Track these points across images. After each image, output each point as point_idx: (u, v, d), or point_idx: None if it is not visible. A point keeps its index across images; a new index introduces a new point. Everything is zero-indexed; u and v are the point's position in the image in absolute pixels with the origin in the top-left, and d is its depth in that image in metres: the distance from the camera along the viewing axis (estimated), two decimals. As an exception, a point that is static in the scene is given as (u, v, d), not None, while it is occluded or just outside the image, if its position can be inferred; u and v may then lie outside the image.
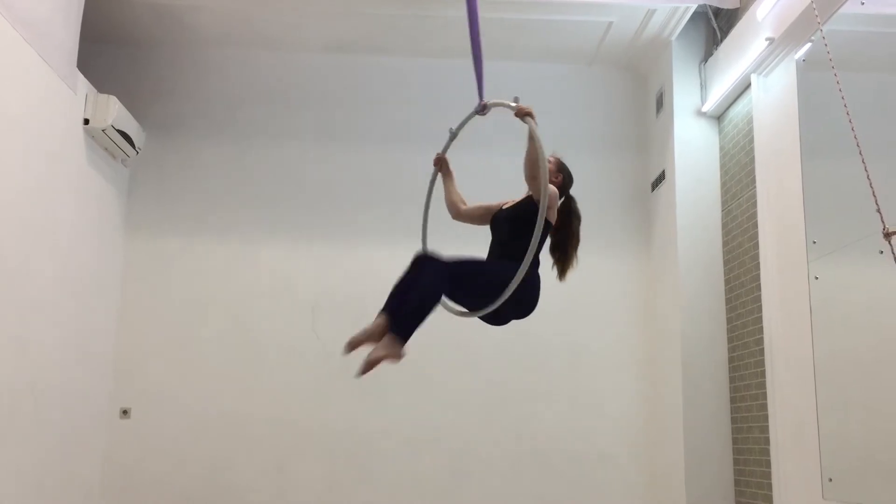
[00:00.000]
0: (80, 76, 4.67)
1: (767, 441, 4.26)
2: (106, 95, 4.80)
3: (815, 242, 3.83)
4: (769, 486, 4.21)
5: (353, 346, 2.91)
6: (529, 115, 3.05)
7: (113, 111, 4.78)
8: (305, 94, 5.70)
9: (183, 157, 5.57)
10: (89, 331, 4.94)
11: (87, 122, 4.73)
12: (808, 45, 3.95)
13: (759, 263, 4.39)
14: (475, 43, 3.30)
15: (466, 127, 3.52)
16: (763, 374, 4.33)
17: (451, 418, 5.34)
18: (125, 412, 5.22)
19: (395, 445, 5.29)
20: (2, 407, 3.89)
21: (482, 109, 3.27)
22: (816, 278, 3.80)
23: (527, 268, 2.83)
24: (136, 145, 5.18)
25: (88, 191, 4.88)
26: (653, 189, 5.52)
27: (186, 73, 5.68)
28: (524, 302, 3.17)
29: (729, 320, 4.87)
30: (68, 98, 4.53)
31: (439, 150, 3.63)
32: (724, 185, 5.01)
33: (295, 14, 5.25)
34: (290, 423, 5.28)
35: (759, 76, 4.49)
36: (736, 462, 4.74)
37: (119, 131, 4.90)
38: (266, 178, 5.57)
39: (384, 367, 5.39)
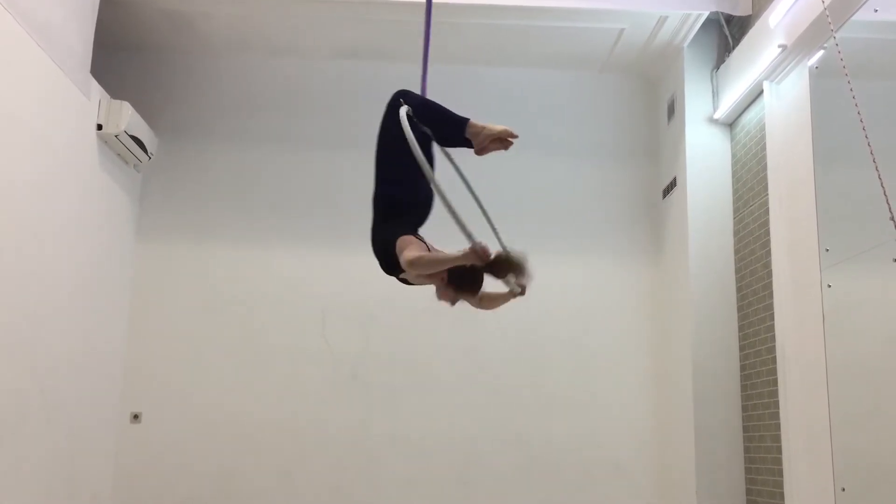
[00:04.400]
0: (94, 82, 4.70)
1: (780, 450, 4.23)
2: (119, 101, 4.83)
3: (827, 250, 3.81)
4: (781, 496, 4.18)
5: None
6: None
7: (126, 117, 4.80)
8: (316, 100, 5.73)
9: (195, 162, 5.60)
10: (100, 335, 4.96)
11: (100, 127, 4.75)
12: (821, 52, 3.93)
13: (771, 271, 4.37)
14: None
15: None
16: (775, 382, 4.30)
17: (459, 424, 5.33)
18: (136, 416, 5.24)
19: (402, 451, 5.28)
20: (12, 411, 3.91)
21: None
22: (829, 286, 3.78)
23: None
24: (149, 151, 5.20)
25: (101, 196, 4.91)
26: (664, 196, 5.50)
27: (199, 79, 5.71)
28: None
29: (741, 328, 4.84)
30: (82, 104, 4.56)
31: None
32: (735, 192, 4.99)
33: (306, 21, 5.27)
34: (298, 427, 5.28)
35: (771, 83, 4.47)
36: (748, 471, 4.71)
37: (132, 137, 4.92)
38: (277, 183, 5.58)
39: (391, 372, 5.41)
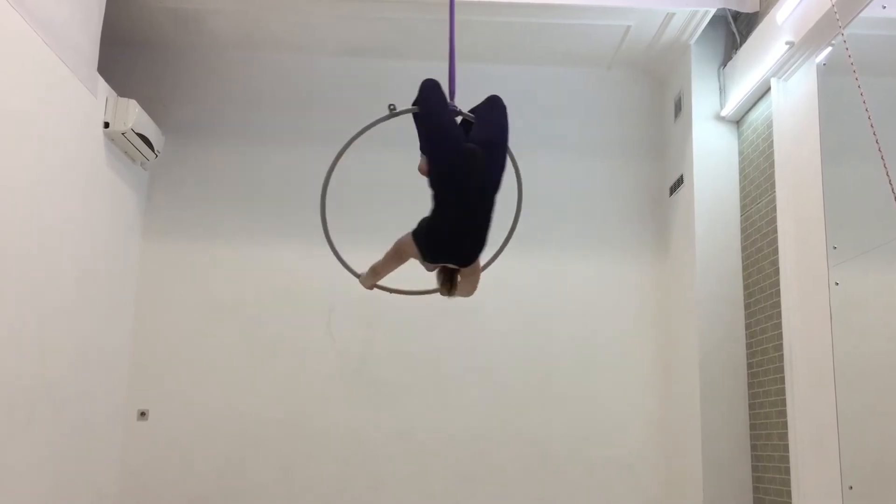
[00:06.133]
0: (101, 80, 4.70)
1: (786, 448, 4.22)
2: (126, 99, 4.83)
3: (835, 248, 3.80)
4: (788, 494, 4.17)
5: None
6: None
7: (133, 115, 4.81)
8: (323, 97, 5.73)
9: (201, 160, 5.60)
10: (106, 332, 4.97)
11: (107, 125, 4.76)
12: (829, 48, 3.92)
13: (778, 269, 4.36)
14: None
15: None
16: (782, 380, 4.29)
17: (463, 421, 5.33)
18: (143, 414, 5.25)
19: (406, 449, 5.29)
20: (19, 408, 3.92)
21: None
22: (837, 284, 3.77)
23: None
24: (156, 149, 5.21)
25: (107, 194, 4.92)
26: (671, 194, 5.49)
27: (206, 76, 5.72)
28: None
29: (748, 326, 4.83)
30: (89, 101, 4.57)
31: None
32: (743, 189, 4.98)
33: (313, 18, 5.27)
34: (303, 425, 5.29)
35: (778, 80, 4.46)
36: (755, 469, 4.70)
37: (139, 135, 4.93)
38: (284, 181, 5.59)
39: (396, 369, 5.41)
